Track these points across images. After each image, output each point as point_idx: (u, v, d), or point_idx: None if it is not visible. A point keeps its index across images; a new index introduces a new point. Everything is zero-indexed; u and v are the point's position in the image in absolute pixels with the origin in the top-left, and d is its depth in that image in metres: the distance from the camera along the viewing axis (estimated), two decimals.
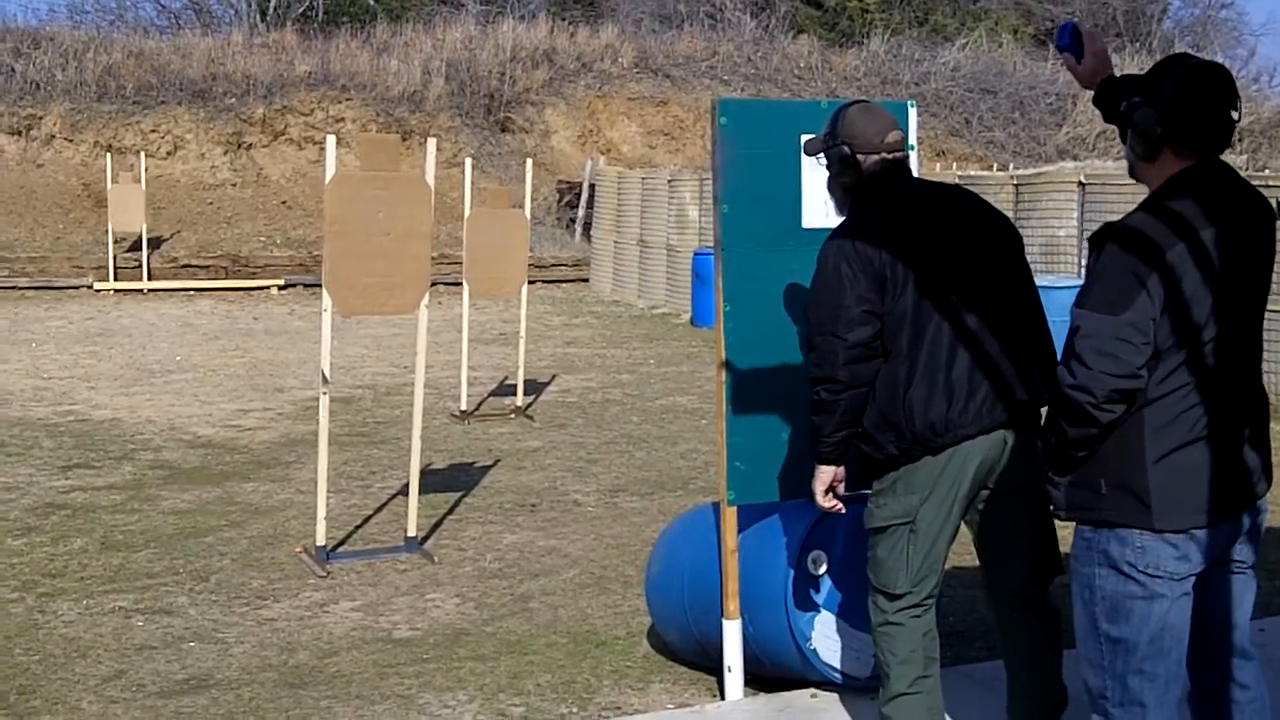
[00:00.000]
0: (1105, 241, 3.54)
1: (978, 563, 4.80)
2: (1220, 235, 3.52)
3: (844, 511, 4.71)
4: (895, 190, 4.60)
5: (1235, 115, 3.60)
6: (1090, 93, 4.03)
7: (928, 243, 4.46)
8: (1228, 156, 3.72)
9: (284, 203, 26.60)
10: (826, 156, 4.69)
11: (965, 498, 4.47)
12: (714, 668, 5.61)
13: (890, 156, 4.61)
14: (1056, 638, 4.69)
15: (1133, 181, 3.82)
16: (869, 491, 4.63)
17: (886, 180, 4.60)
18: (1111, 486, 3.54)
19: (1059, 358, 3.62)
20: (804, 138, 4.91)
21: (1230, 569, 3.73)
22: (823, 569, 5.20)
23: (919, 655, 4.57)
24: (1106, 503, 3.55)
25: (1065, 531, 3.76)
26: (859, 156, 4.59)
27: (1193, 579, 3.59)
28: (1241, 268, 3.56)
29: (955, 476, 4.41)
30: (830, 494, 4.62)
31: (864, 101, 4.85)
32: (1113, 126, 3.84)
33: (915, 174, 4.95)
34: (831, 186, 4.73)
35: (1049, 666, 4.68)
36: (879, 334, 4.39)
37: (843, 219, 4.68)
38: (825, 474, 4.58)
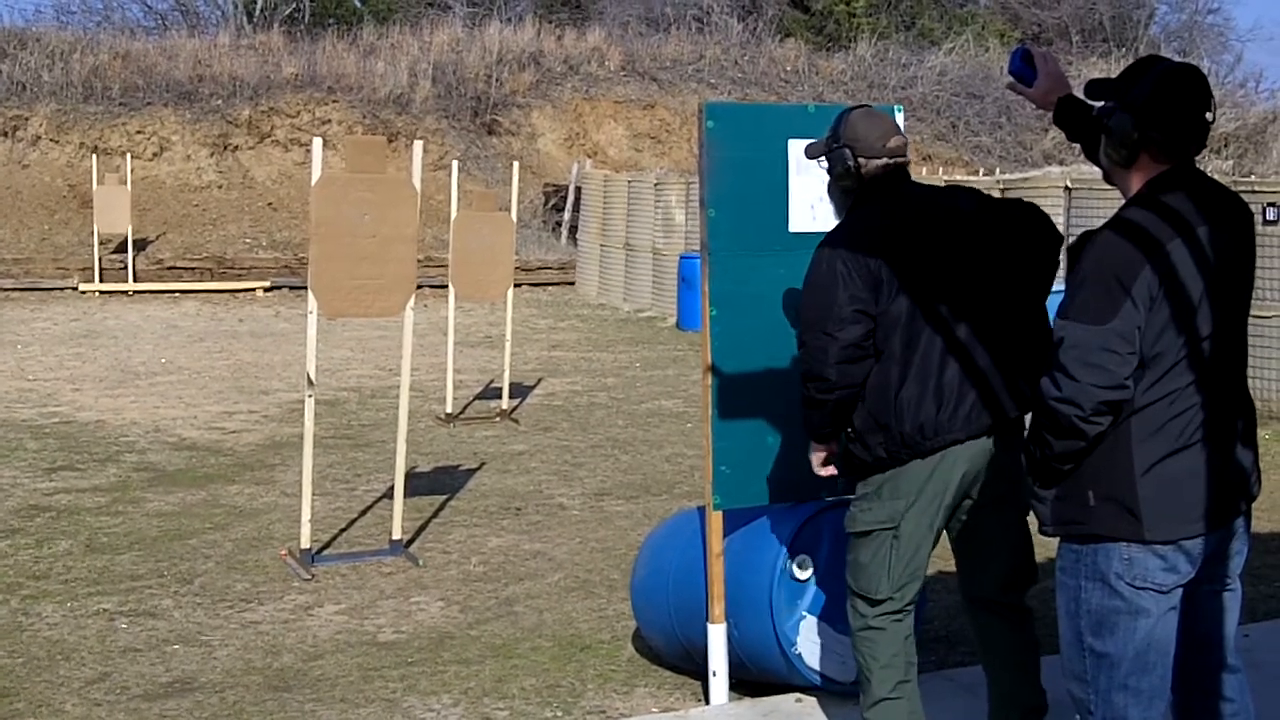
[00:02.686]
0: (1085, 250, 3.51)
1: None
2: (1205, 235, 3.49)
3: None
4: (895, 194, 4.59)
5: (1210, 116, 3.57)
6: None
7: (925, 247, 4.45)
8: (1215, 160, 3.71)
9: (270, 205, 26.55)
10: (828, 159, 4.66)
11: (949, 506, 4.47)
12: (699, 672, 5.60)
13: (892, 161, 4.60)
14: (1033, 642, 4.70)
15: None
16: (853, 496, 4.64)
17: (887, 184, 4.60)
18: (1100, 499, 3.50)
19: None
20: (804, 142, 4.89)
21: (1217, 585, 3.69)
22: (808, 573, 5.20)
23: (900, 660, 4.57)
24: (1095, 515, 3.51)
25: (1049, 541, 3.74)
26: (861, 160, 4.58)
27: (1179, 591, 3.56)
28: (1225, 270, 3.53)
29: (941, 484, 4.41)
30: (828, 463, 4.67)
31: (866, 106, 4.84)
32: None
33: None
34: (832, 190, 4.72)
35: (1027, 671, 4.68)
36: (870, 334, 4.39)
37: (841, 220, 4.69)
38: (821, 448, 4.64)
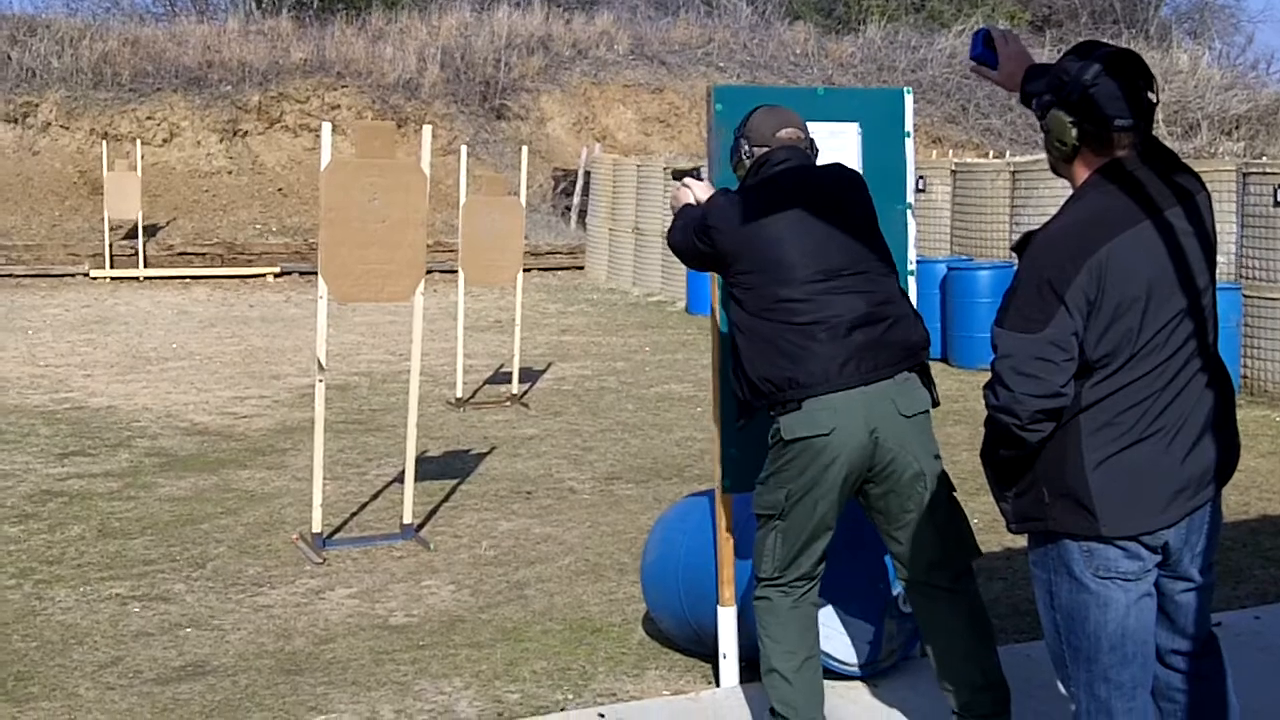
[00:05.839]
0: (1024, 252, 3.46)
1: None
2: (1150, 227, 3.41)
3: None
4: (773, 170, 4.69)
5: (1152, 96, 3.46)
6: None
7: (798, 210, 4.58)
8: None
9: (280, 190, 26.57)
10: (731, 152, 4.85)
11: (834, 498, 4.51)
12: (709, 655, 5.62)
13: (779, 149, 4.71)
14: (971, 625, 4.61)
15: None
16: None
17: (767, 165, 4.70)
18: (1054, 495, 3.47)
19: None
20: (814, 125, 4.95)
21: (1189, 577, 3.60)
22: None
23: (790, 634, 4.64)
24: (1051, 512, 3.48)
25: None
26: (755, 149, 4.73)
27: (1151, 577, 3.52)
28: (1183, 252, 3.44)
29: (816, 477, 4.47)
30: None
31: (774, 105, 4.88)
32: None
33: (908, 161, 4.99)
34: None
35: (969, 653, 4.60)
36: (727, 249, 4.59)
37: None
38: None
